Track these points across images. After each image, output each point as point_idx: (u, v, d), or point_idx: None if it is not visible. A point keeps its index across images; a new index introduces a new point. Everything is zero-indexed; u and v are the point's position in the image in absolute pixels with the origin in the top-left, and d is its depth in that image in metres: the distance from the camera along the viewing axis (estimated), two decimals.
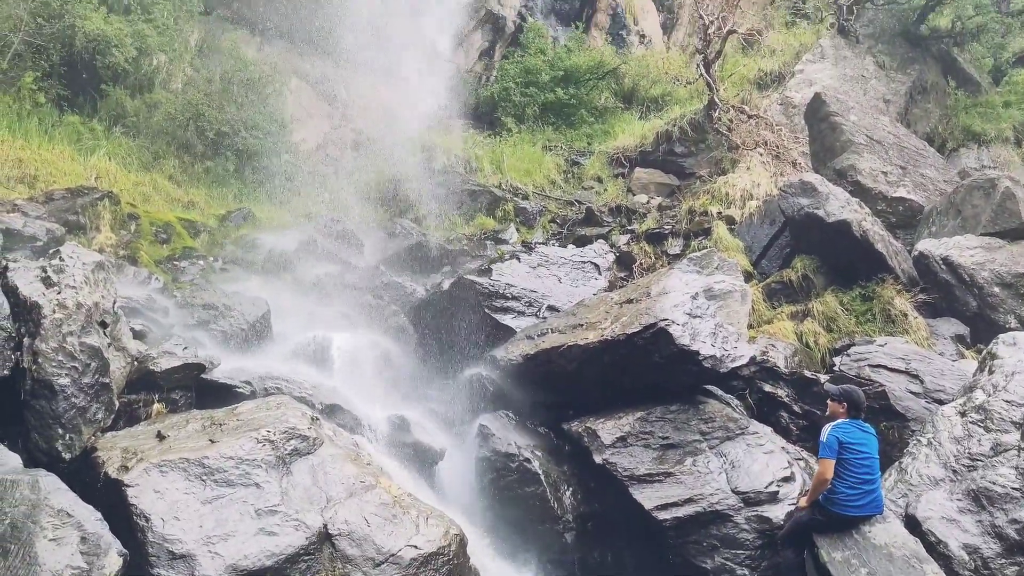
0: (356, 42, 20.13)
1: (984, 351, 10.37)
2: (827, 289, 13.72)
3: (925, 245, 13.88)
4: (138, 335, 10.13)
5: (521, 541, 10.02)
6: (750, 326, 12.27)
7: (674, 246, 15.94)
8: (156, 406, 9.27)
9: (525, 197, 18.86)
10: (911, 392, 10.79)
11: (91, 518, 6.79)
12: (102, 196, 13.69)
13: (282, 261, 14.52)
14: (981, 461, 8.79)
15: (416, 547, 7.75)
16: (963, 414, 9.31)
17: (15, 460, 7.22)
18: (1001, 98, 23.04)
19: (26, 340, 8.13)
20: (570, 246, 15.74)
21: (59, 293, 8.42)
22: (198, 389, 9.76)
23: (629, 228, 17.08)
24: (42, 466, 7.53)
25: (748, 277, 14.05)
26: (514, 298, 13.29)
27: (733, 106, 20.08)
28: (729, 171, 18.21)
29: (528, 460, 10.32)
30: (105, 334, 8.70)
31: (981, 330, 12.84)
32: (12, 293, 8.35)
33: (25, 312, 8.28)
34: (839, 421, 8.40)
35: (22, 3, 15.85)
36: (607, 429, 10.27)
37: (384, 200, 18.26)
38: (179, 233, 14.65)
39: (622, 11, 27.08)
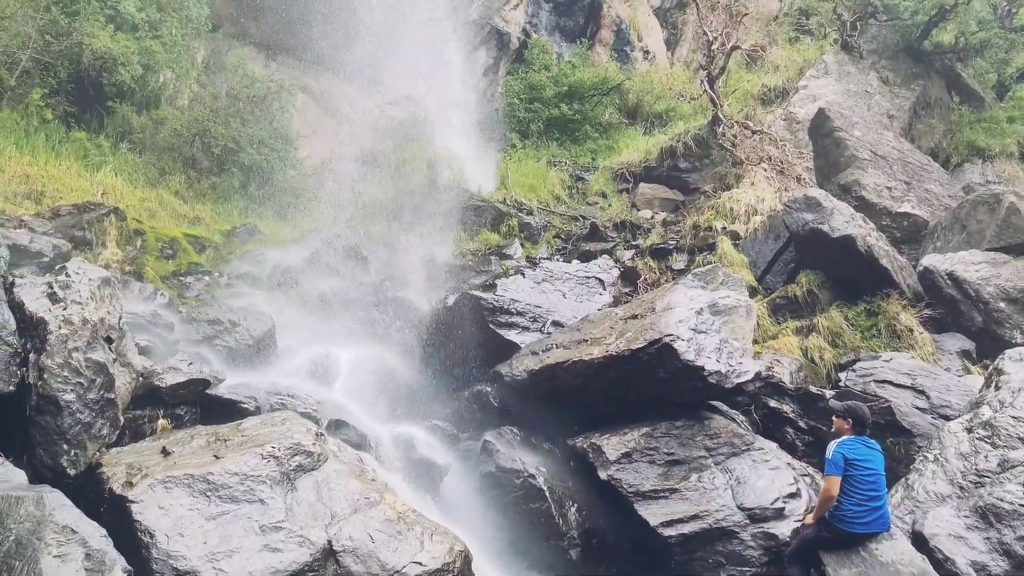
0: (361, 59, 20.25)
1: (990, 367, 10.32)
2: (832, 304, 13.70)
3: (930, 260, 13.86)
4: (143, 351, 10.14)
5: (526, 558, 9.97)
6: (755, 341, 12.25)
7: (679, 261, 15.93)
8: (161, 422, 9.27)
9: (529, 212, 18.90)
10: (917, 408, 10.75)
11: (96, 534, 6.77)
12: (108, 212, 13.75)
13: (287, 277, 14.56)
14: (988, 477, 8.74)
15: (421, 564, 7.71)
16: (970, 430, 9.26)
17: (20, 476, 7.21)
18: (1005, 113, 23.08)
19: (32, 356, 8.14)
20: (575, 261, 15.75)
21: (65, 309, 8.44)
22: (203, 405, 9.76)
23: (633, 243, 17.09)
24: (47, 482, 7.52)
25: (753, 292, 14.03)
26: (519, 313, 13.29)
27: (737, 121, 20.12)
28: (733, 186, 18.23)
29: (533, 476, 10.28)
30: (111, 350, 8.72)
31: (987, 345, 12.80)
32: (18, 309, 8.37)
33: (31, 328, 8.30)
34: (844, 438, 8.37)
35: (31, 21, 15.99)
36: (612, 445, 10.24)
37: (389, 215, 18.30)
38: (185, 249, 14.70)
39: (626, 27, 27.19)
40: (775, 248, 15.31)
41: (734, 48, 20.27)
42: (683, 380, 10.42)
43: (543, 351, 11.74)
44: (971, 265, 13.51)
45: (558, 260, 16.11)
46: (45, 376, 8.01)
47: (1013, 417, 9.12)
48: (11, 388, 7.89)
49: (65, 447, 7.91)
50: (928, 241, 15.25)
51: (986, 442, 9.02)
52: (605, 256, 16.08)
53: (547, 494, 10.17)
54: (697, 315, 10.92)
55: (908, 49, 23.17)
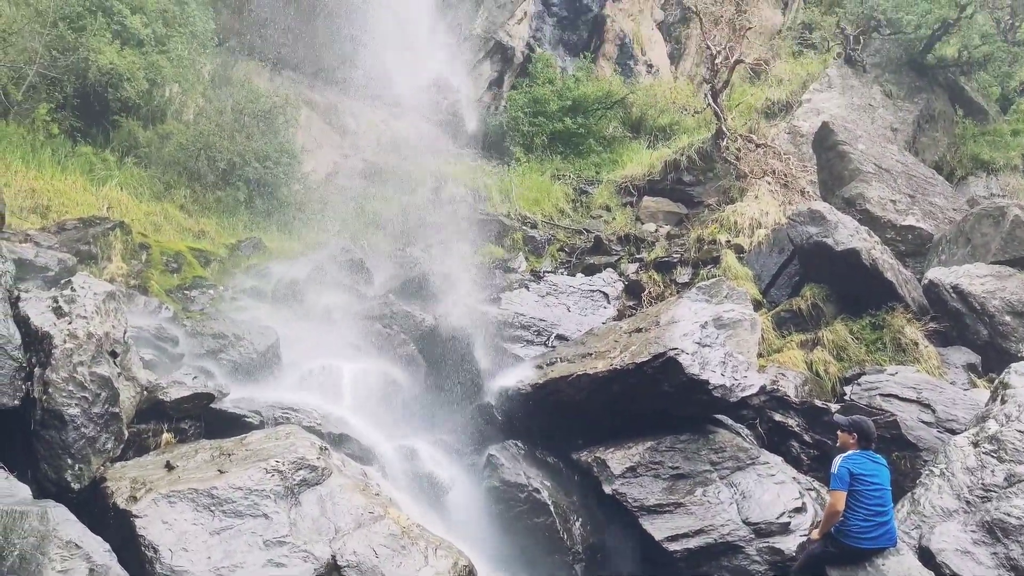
0: (366, 73, 20.35)
1: (996, 380, 10.29)
2: (837, 318, 13.68)
3: (935, 273, 13.83)
4: (148, 364, 10.16)
5: (530, 572, 9.94)
6: (760, 355, 12.23)
7: (683, 275, 15.93)
8: (165, 436, 9.27)
9: (534, 226, 18.93)
10: (923, 422, 10.71)
11: (100, 549, 6.76)
12: (114, 226, 13.80)
13: (292, 290, 14.57)
14: (995, 492, 8.69)
15: None
16: (976, 444, 9.23)
17: (24, 491, 7.21)
18: (1009, 126, 23.07)
19: (37, 370, 8.16)
20: (579, 275, 15.77)
21: (70, 323, 8.46)
22: (207, 419, 9.77)
23: (638, 257, 17.10)
24: (51, 496, 7.53)
25: (757, 306, 14.02)
26: (523, 327, 13.30)
27: (741, 135, 20.15)
28: (737, 200, 18.24)
29: (537, 490, 10.25)
30: (115, 364, 8.73)
31: (993, 359, 12.76)
32: (24, 323, 8.40)
33: (36, 342, 8.32)
34: (850, 452, 8.33)
35: (37, 36, 16.08)
36: (617, 459, 10.22)
37: (393, 229, 18.33)
38: (189, 262, 14.73)
39: (630, 41, 27.29)
40: (779, 261, 15.31)
41: (737, 62, 20.31)
42: (688, 394, 10.40)
43: (547, 365, 11.73)
44: (976, 278, 13.49)
45: (562, 273, 16.14)
46: (50, 390, 8.02)
47: (1020, 431, 9.08)
48: (16, 402, 7.91)
49: (69, 461, 7.92)
50: (933, 254, 15.24)
51: (993, 456, 8.98)
52: (609, 269, 16.09)
53: (552, 508, 10.15)
54: (702, 329, 10.91)
55: (911, 63, 23.20)
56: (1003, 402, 9.59)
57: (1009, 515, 8.45)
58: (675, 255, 16.60)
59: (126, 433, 8.66)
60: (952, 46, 23.20)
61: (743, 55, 20.37)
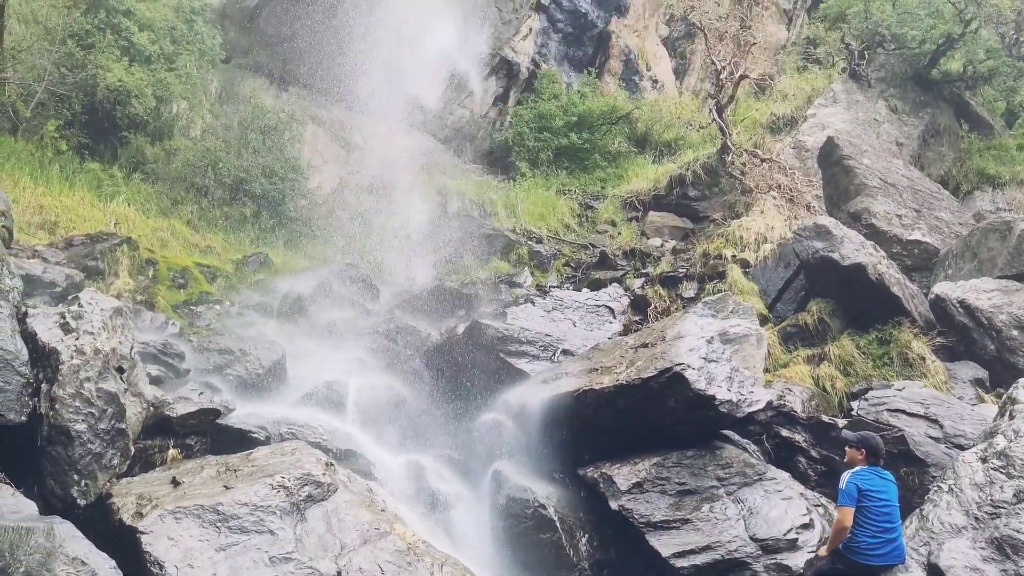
0: (371, 89, 20.44)
1: (1004, 395, 10.25)
2: (843, 333, 13.64)
3: (941, 288, 13.80)
4: (154, 380, 10.18)
5: None
6: (766, 370, 12.20)
7: (688, 289, 15.90)
8: (171, 452, 9.28)
9: (539, 241, 18.95)
10: (930, 437, 10.67)
11: (105, 566, 6.76)
12: (121, 242, 13.86)
13: (298, 305, 14.61)
14: (1004, 508, 8.63)
15: None
16: (984, 460, 9.17)
17: (31, 507, 7.21)
18: (1015, 141, 23.07)
19: (44, 386, 8.18)
20: (584, 290, 15.76)
21: (77, 339, 8.49)
22: (213, 434, 9.78)
23: (643, 272, 17.09)
24: (57, 512, 7.53)
25: (763, 321, 13.98)
26: (529, 342, 13.28)
27: (746, 150, 20.17)
28: (743, 214, 18.24)
29: (543, 506, 10.22)
30: (122, 380, 8.75)
31: (1000, 374, 12.71)
32: (31, 339, 8.43)
33: (43, 358, 8.34)
34: (858, 468, 8.29)
35: (46, 54, 16.21)
36: (623, 475, 10.18)
37: (399, 245, 18.36)
38: (196, 278, 14.78)
39: (635, 57, 27.38)
40: (785, 276, 15.28)
41: (742, 77, 20.36)
42: (694, 409, 10.37)
43: (553, 380, 11.72)
44: (983, 293, 13.45)
45: (568, 288, 16.13)
46: (57, 406, 8.04)
47: None
48: (23, 418, 7.92)
49: (76, 477, 7.93)
50: (939, 269, 15.20)
51: (1001, 472, 8.93)
52: (615, 284, 16.08)
53: (558, 524, 10.11)
54: (708, 344, 10.89)
55: (916, 77, 23.24)
56: (1011, 417, 9.54)
57: (1018, 532, 8.39)
58: (681, 270, 16.58)
59: (132, 449, 8.67)
60: (957, 61, 23.24)
61: (748, 70, 20.41)
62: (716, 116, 20.25)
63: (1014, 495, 8.68)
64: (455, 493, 10.55)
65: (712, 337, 11.04)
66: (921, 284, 14.96)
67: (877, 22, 22.98)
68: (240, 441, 9.64)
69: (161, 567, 7.15)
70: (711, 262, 16.43)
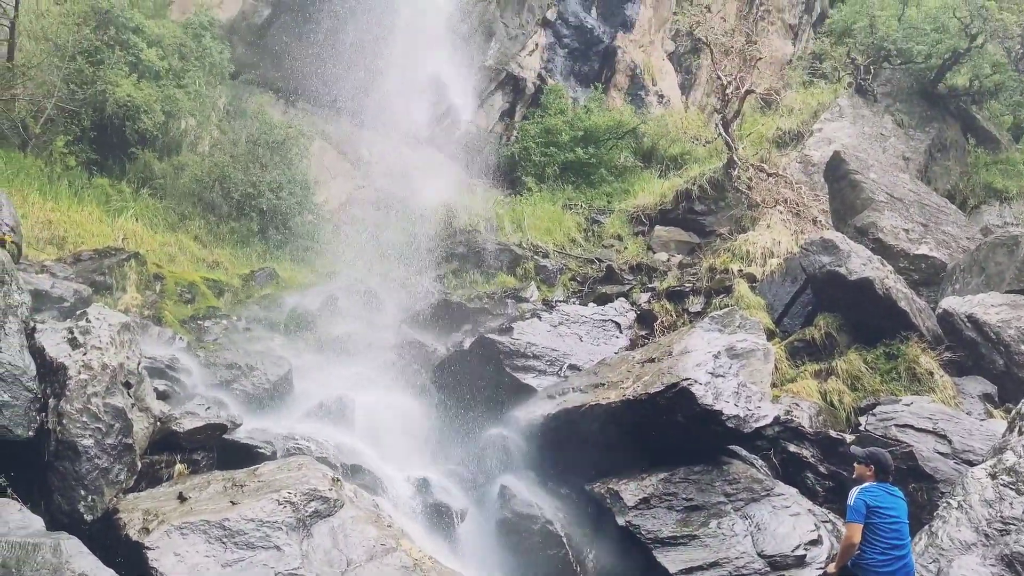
0: (379, 104, 20.52)
1: (1013, 411, 10.20)
2: (851, 347, 13.60)
3: (949, 303, 13.76)
4: (161, 395, 10.18)
5: None
6: (773, 385, 12.16)
7: (695, 304, 15.88)
8: (178, 467, 9.27)
9: (545, 255, 18.96)
10: (939, 453, 10.62)
11: None
12: (128, 257, 13.91)
13: (305, 320, 14.64)
14: (1014, 525, 8.59)
15: None
16: (994, 476, 9.13)
17: (38, 523, 7.21)
18: (1021, 155, 23.09)
19: (51, 401, 8.19)
20: (591, 304, 15.74)
21: (85, 354, 8.50)
22: (220, 449, 9.77)
23: (650, 286, 17.07)
24: (64, 528, 7.52)
25: (770, 335, 13.95)
26: (535, 357, 13.25)
27: (752, 164, 20.19)
28: (749, 229, 18.23)
29: (550, 522, 10.19)
30: (129, 395, 8.76)
31: (1009, 389, 12.65)
32: (39, 354, 8.44)
33: (51, 373, 8.36)
34: (866, 484, 8.24)
35: (56, 70, 16.32)
36: (630, 490, 10.15)
37: (405, 259, 18.40)
38: (203, 293, 14.81)
39: (641, 72, 27.46)
40: (792, 291, 15.26)
41: (748, 92, 20.41)
42: (701, 425, 10.35)
43: (560, 395, 11.71)
44: (991, 307, 13.40)
45: (574, 303, 16.12)
46: (64, 421, 8.05)
47: None
48: (30, 434, 7.93)
49: (83, 493, 7.93)
50: (946, 283, 15.17)
51: (1011, 488, 8.88)
52: (621, 299, 16.06)
53: (564, 540, 10.08)
54: (714, 359, 10.87)
55: (922, 92, 23.26)
56: (1020, 433, 9.50)
57: None
58: (687, 284, 16.56)
59: (139, 464, 8.67)
60: (963, 76, 23.26)
61: (754, 85, 20.47)
62: (722, 131, 20.28)
63: None
64: (462, 508, 10.52)
65: (719, 352, 11.03)
66: (928, 299, 14.92)
67: (883, 37, 23.04)
68: (246, 456, 9.63)
69: None
70: (718, 276, 16.41)
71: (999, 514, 8.74)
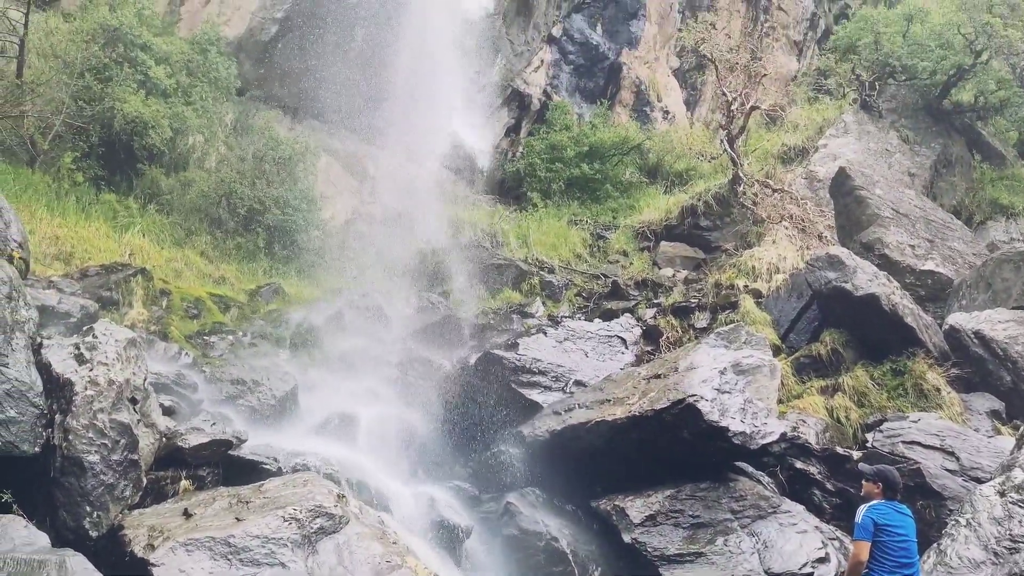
0: (384, 120, 20.60)
1: (1022, 428, 10.16)
2: (857, 363, 13.55)
3: (956, 319, 13.71)
4: (167, 411, 10.18)
5: None
6: (779, 401, 12.14)
7: (701, 320, 15.86)
8: (183, 483, 9.26)
9: (551, 271, 18.96)
10: (947, 470, 10.56)
11: None
12: (135, 272, 13.94)
13: (310, 336, 14.64)
14: (1023, 543, 8.52)
15: None
16: (1002, 493, 9.06)
17: (43, 539, 7.21)
18: None
19: (58, 417, 8.20)
20: (596, 320, 15.74)
21: (91, 370, 8.52)
22: (225, 465, 9.75)
23: (655, 302, 17.06)
24: (69, 544, 7.52)
25: (776, 351, 13.92)
26: (541, 373, 13.24)
27: (758, 180, 20.21)
28: (755, 244, 18.24)
29: (555, 539, 10.15)
30: (135, 411, 8.77)
31: (1017, 406, 12.59)
32: (45, 370, 8.46)
33: (58, 389, 8.37)
34: (874, 502, 8.18)
35: (65, 87, 16.41)
36: (636, 507, 10.12)
37: (411, 275, 18.42)
38: (209, 308, 14.83)
39: (646, 88, 27.55)
40: (798, 306, 15.24)
41: (753, 108, 20.46)
42: (707, 441, 10.33)
43: (565, 411, 11.68)
44: (998, 324, 13.36)
45: (580, 319, 16.11)
46: (70, 437, 8.06)
47: None
48: (36, 449, 7.94)
49: (88, 509, 7.92)
50: (953, 299, 15.13)
51: (1020, 506, 8.82)
52: (627, 315, 16.05)
53: (570, 557, 10.04)
54: (720, 375, 10.86)
55: (927, 108, 23.29)
56: None
57: None
58: (693, 300, 16.55)
59: (144, 480, 8.67)
60: (968, 92, 23.29)
61: (759, 101, 20.52)
62: (727, 146, 20.33)
63: None
64: (467, 525, 10.48)
65: (725, 368, 11.01)
66: (935, 315, 14.88)
67: (887, 53, 23.09)
68: (252, 472, 9.61)
69: None
70: (723, 292, 16.40)
71: (1008, 532, 8.67)
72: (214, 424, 10.03)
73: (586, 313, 17.04)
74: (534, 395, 12.83)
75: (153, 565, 7.35)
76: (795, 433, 11.77)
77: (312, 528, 8.10)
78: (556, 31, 26.54)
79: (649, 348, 15.20)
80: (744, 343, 11.92)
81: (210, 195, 17.58)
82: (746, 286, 16.31)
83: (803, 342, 14.70)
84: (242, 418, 11.36)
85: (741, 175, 19.93)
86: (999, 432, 12.13)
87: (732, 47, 22.70)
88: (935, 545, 9.08)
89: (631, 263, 19.91)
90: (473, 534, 10.49)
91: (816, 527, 10.14)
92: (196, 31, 19.72)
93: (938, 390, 12.71)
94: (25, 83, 16.26)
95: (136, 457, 8.47)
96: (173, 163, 18.16)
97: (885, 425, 11.61)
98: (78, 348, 8.77)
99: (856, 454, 11.35)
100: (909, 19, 23.50)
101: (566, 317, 16.34)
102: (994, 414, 12.63)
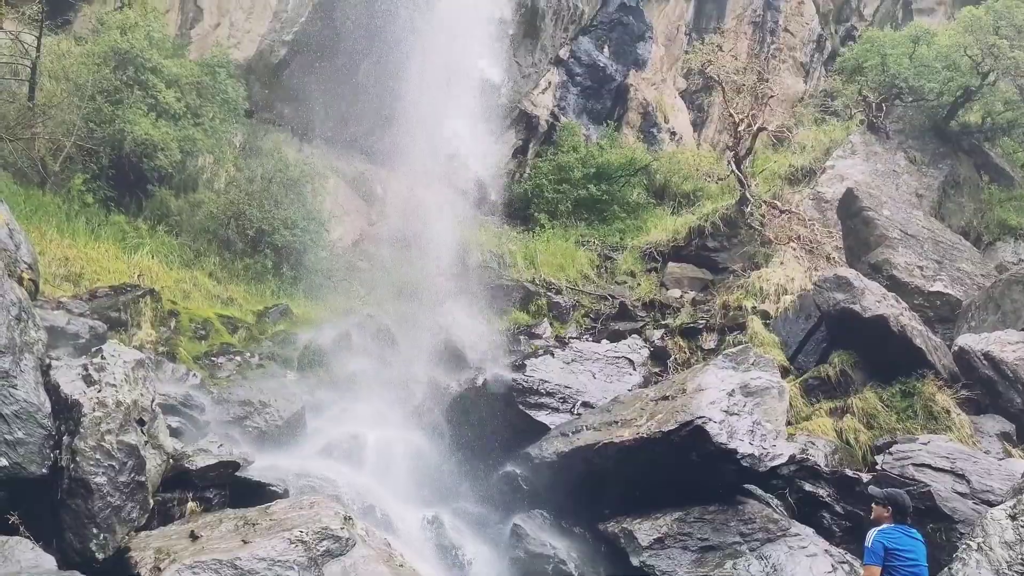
0: (392, 142, 20.68)
1: None
2: (866, 385, 13.51)
3: (965, 340, 13.66)
4: (174, 432, 10.19)
5: None
6: (788, 423, 12.08)
7: (709, 341, 15.85)
8: (190, 504, 9.25)
9: (558, 292, 18.96)
10: (957, 493, 10.48)
11: None
12: (144, 293, 13.98)
13: (318, 357, 14.65)
14: None
15: None
16: (1014, 517, 8.98)
17: (49, 562, 7.21)
18: None
19: (65, 438, 8.21)
20: (604, 341, 15.71)
21: (99, 391, 8.54)
22: (232, 487, 9.74)
23: (663, 323, 17.04)
24: (75, 566, 7.52)
25: (785, 373, 13.88)
26: (548, 394, 13.19)
27: (765, 201, 20.22)
28: (763, 266, 18.22)
29: (563, 562, 10.11)
30: (143, 432, 8.78)
31: None
32: (54, 391, 8.49)
33: (66, 410, 8.39)
34: (884, 526, 8.11)
35: (75, 109, 16.54)
36: (644, 530, 10.06)
37: (419, 296, 18.42)
38: (217, 329, 14.86)
39: (653, 109, 27.63)
40: (806, 328, 15.19)
41: (760, 129, 20.50)
42: (716, 463, 10.27)
43: (573, 433, 11.65)
44: (1008, 345, 13.29)
45: (587, 340, 16.09)
46: (78, 459, 8.06)
47: None
48: (44, 471, 7.95)
49: (95, 531, 7.91)
50: (962, 320, 15.08)
51: None
52: (634, 336, 16.02)
53: None
54: (729, 396, 10.82)
55: (935, 129, 23.29)
56: None
57: None
58: (701, 321, 16.53)
59: (151, 502, 8.66)
60: (975, 113, 23.29)
61: (766, 123, 20.56)
62: (734, 168, 20.35)
63: None
64: (473, 548, 10.44)
65: (733, 390, 10.97)
66: (944, 336, 14.83)
67: (894, 75, 23.11)
68: (259, 494, 9.60)
69: None
70: (731, 313, 16.38)
71: (1020, 556, 8.59)
72: (221, 446, 10.03)
73: (594, 334, 17.03)
74: (541, 417, 12.78)
75: None
76: (804, 455, 11.72)
77: (319, 551, 8.07)
78: (563, 53, 26.65)
79: (657, 369, 15.17)
80: (752, 364, 11.87)
81: (219, 216, 17.66)
82: (754, 307, 16.29)
83: (811, 363, 14.65)
84: (249, 439, 11.36)
85: (748, 196, 19.94)
86: (1010, 454, 12.06)
87: (739, 69, 22.75)
88: (946, 569, 9.00)
89: (639, 284, 19.90)
90: (480, 557, 10.45)
91: (826, 550, 10.06)
92: (206, 54, 19.86)
93: (948, 412, 12.65)
94: (37, 105, 16.41)
95: (143, 479, 8.47)
96: (182, 184, 18.26)
97: (895, 447, 11.54)
98: (86, 369, 8.80)
99: (865, 476, 11.28)
100: (916, 41, 23.52)
101: (574, 338, 16.32)
102: (1005, 436, 12.55)
